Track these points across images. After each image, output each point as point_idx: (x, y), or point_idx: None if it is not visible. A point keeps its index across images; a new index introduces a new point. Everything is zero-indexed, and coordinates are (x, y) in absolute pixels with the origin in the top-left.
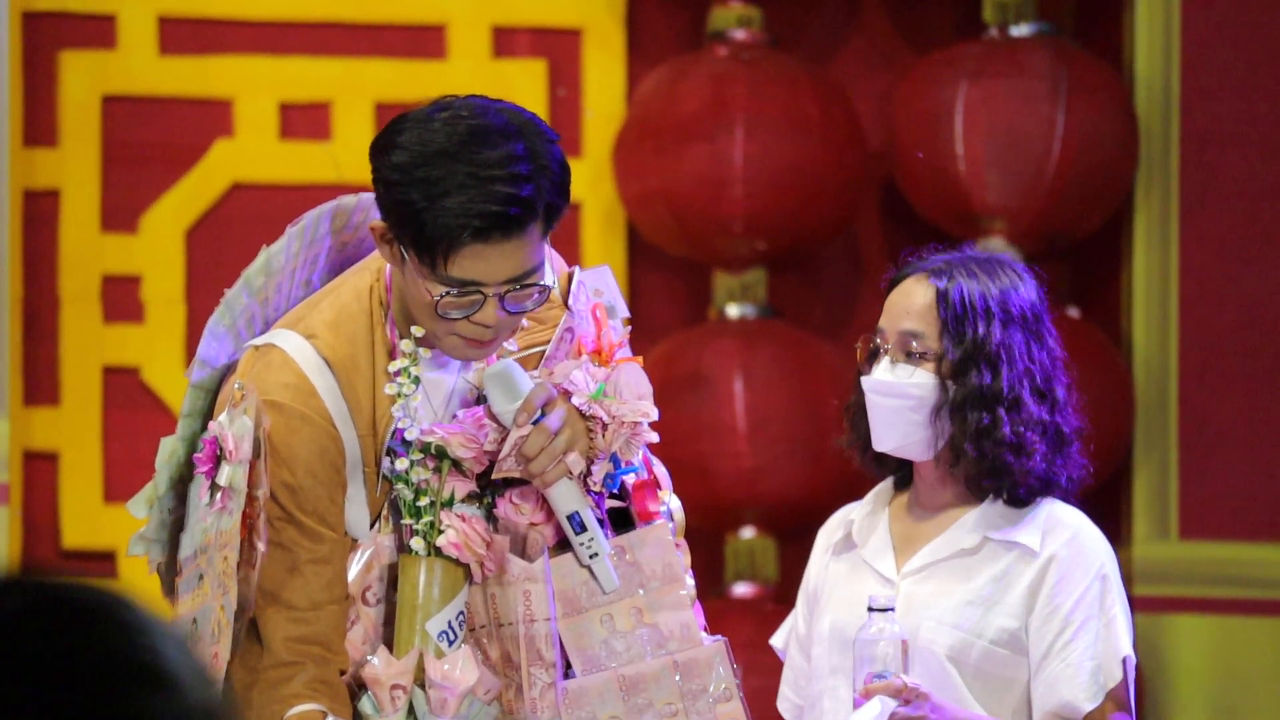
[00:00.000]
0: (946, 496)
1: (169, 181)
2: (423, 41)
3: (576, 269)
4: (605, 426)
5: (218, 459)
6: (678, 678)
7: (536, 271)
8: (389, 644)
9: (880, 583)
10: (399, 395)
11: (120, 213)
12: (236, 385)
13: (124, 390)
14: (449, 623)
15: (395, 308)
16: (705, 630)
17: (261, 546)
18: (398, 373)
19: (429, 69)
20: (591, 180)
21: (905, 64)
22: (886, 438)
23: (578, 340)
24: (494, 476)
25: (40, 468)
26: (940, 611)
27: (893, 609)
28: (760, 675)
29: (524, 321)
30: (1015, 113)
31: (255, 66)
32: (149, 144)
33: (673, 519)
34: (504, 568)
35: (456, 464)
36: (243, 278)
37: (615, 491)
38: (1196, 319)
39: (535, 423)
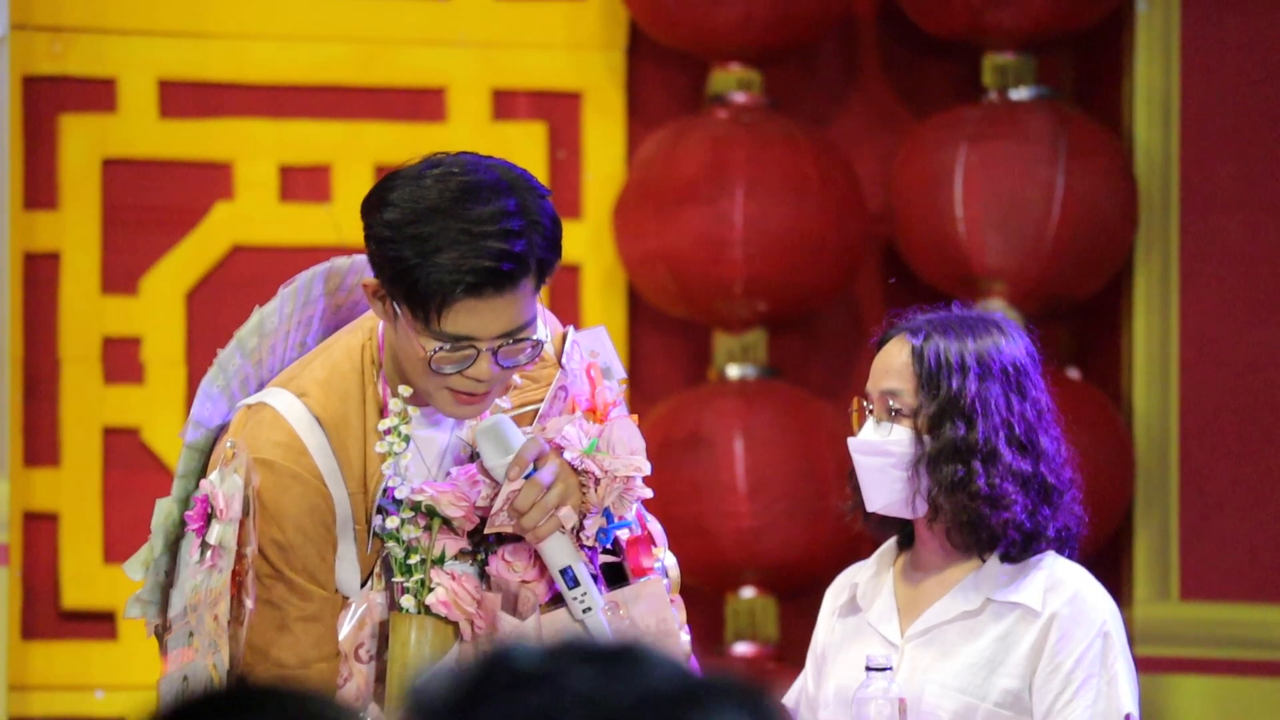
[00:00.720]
0: (945, 556)
1: (169, 243)
2: (423, 104)
3: (570, 329)
4: (598, 481)
5: (209, 517)
6: None
7: (529, 326)
8: (380, 702)
9: (885, 646)
10: (389, 453)
11: (120, 275)
12: (228, 444)
13: (124, 451)
14: None
15: (387, 365)
16: None
17: (250, 604)
18: (388, 431)
19: (429, 131)
20: (591, 242)
21: (905, 127)
22: (874, 497)
23: (571, 399)
24: (486, 531)
25: (40, 528)
26: (944, 675)
27: (890, 668)
28: None
29: (517, 379)
30: (1015, 176)
31: (255, 129)
32: (149, 206)
33: (667, 575)
34: (495, 625)
35: (447, 522)
36: (235, 338)
37: (608, 547)
38: (1197, 381)
39: (527, 477)
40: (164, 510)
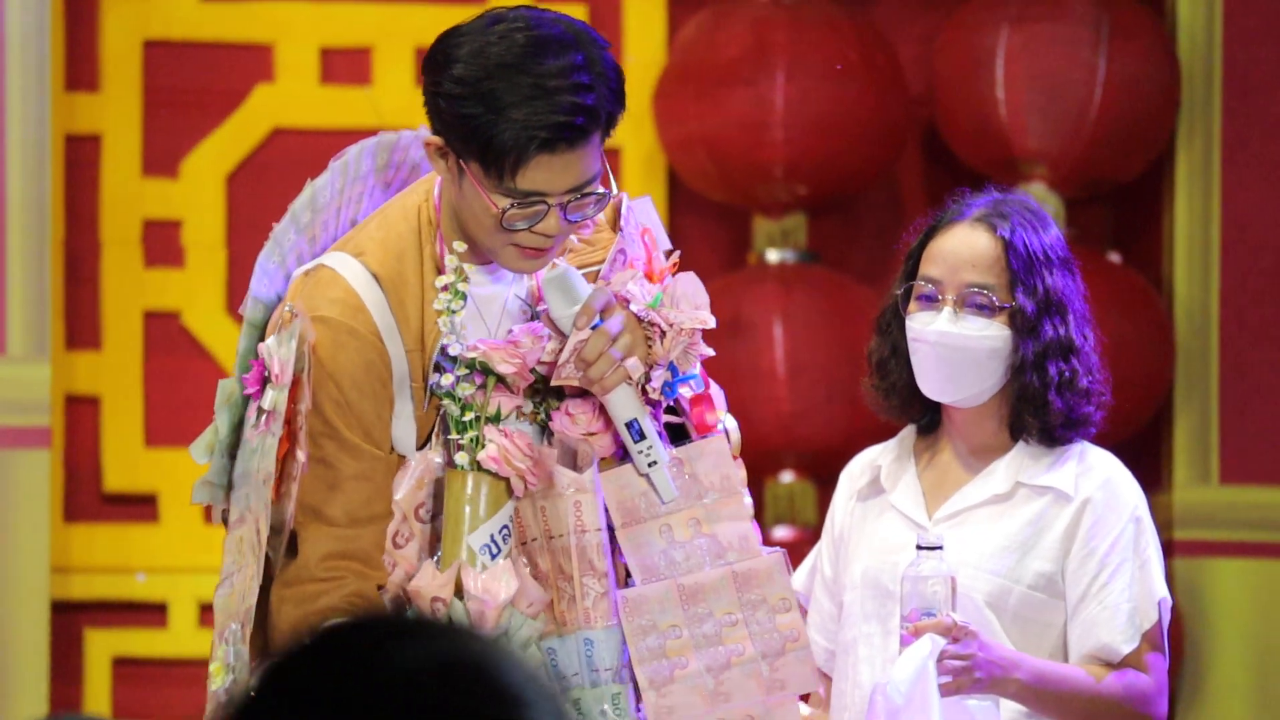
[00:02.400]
0: (978, 441)
1: (210, 126)
2: None
3: (624, 195)
4: (663, 334)
5: (264, 381)
6: (736, 587)
7: (596, 180)
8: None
9: (912, 529)
10: (446, 310)
11: (161, 158)
12: (286, 308)
13: (165, 334)
14: (491, 536)
15: (445, 224)
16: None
17: (302, 457)
18: (444, 288)
19: (469, 13)
20: (632, 126)
21: (946, 9)
22: (947, 389)
23: (629, 263)
24: (553, 383)
25: (82, 411)
26: (977, 557)
27: (941, 546)
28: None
29: (574, 240)
30: (1056, 58)
31: (296, 12)
32: (190, 89)
33: (729, 437)
34: (552, 480)
35: (501, 379)
36: (290, 212)
37: (671, 405)
38: (1237, 263)
39: (594, 327)
40: (226, 390)
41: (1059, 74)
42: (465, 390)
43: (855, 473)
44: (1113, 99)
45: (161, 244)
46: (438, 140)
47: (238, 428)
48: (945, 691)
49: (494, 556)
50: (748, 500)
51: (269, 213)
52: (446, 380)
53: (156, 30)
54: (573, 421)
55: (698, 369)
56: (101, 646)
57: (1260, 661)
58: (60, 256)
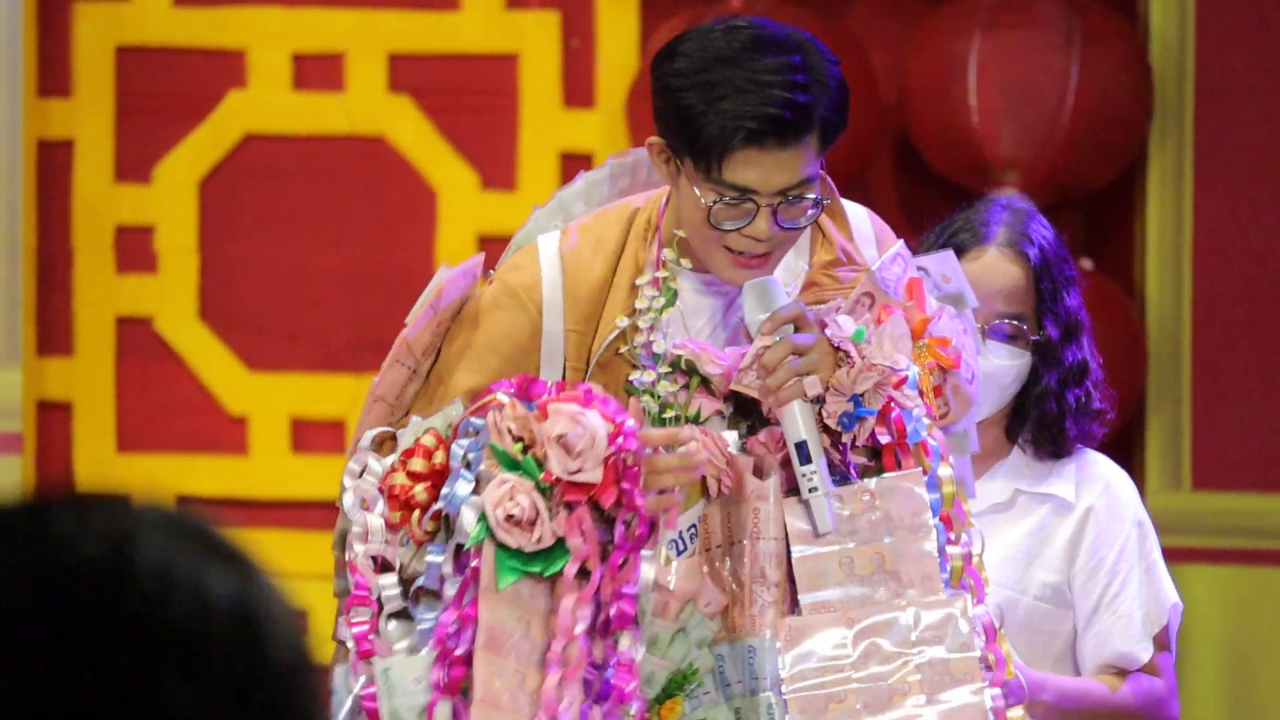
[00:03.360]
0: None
1: (182, 132)
2: None
3: (901, 242)
4: (853, 364)
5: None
6: (912, 628)
7: (810, 184)
8: None
9: None
10: (649, 308)
11: (134, 163)
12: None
13: (137, 340)
14: (681, 533)
15: (665, 230)
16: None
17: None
18: (654, 281)
19: (442, 19)
20: (605, 132)
21: (919, 16)
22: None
23: (879, 307)
24: (731, 388)
25: (53, 417)
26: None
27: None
28: None
29: (803, 265)
30: (1029, 64)
31: (268, 17)
32: (163, 94)
33: (939, 489)
34: (742, 486)
35: (704, 382)
36: (557, 199)
37: (858, 445)
38: (1209, 270)
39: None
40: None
41: (1031, 81)
42: (667, 389)
43: None
44: (1085, 106)
45: (134, 250)
46: (659, 141)
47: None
48: None
49: (680, 553)
50: (934, 537)
51: (242, 218)
52: (649, 377)
53: (129, 36)
54: (765, 449)
55: (880, 405)
56: None
57: (1233, 668)
58: (32, 262)
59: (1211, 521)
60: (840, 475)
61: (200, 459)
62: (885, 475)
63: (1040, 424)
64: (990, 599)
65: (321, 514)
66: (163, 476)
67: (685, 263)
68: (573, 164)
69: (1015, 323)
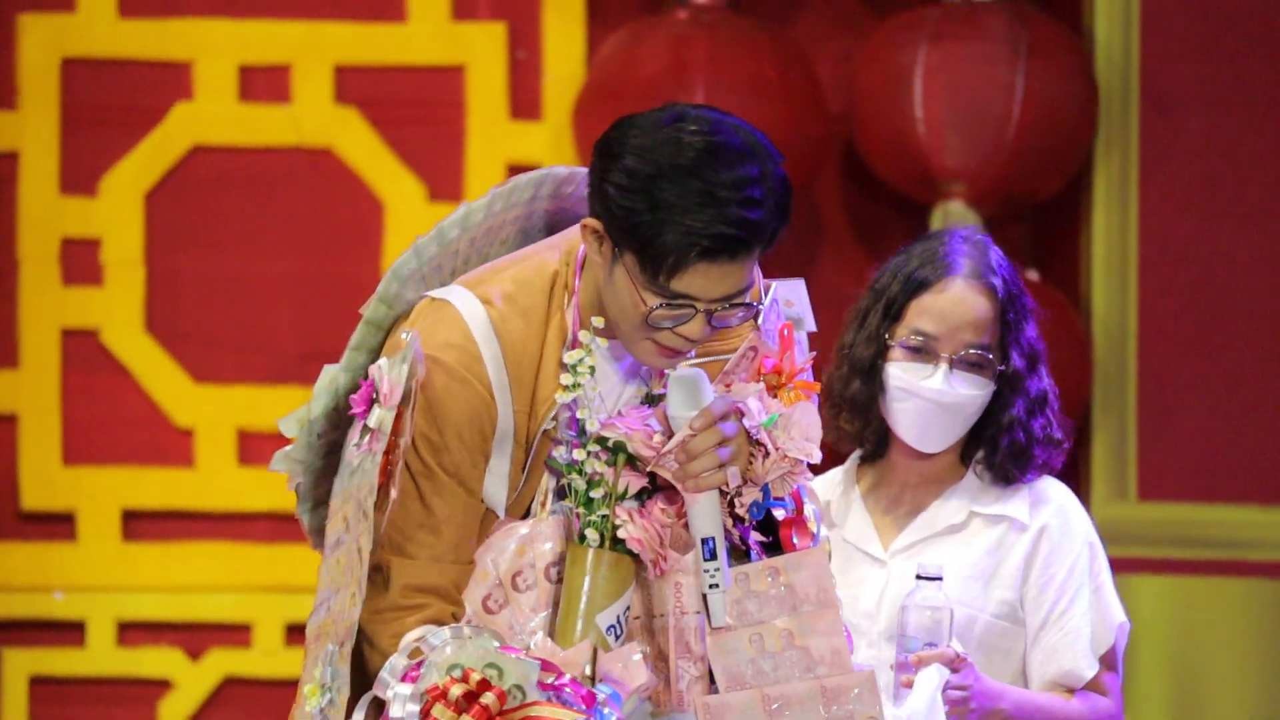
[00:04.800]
0: (931, 472)
1: (129, 144)
2: (382, 4)
3: (772, 284)
4: (767, 455)
5: (372, 401)
6: (823, 703)
7: (747, 291)
8: (546, 634)
9: (870, 563)
10: (574, 385)
11: (80, 175)
12: (404, 334)
13: (83, 352)
14: (618, 617)
15: (584, 297)
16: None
17: (394, 494)
18: (575, 364)
19: (389, 32)
20: (551, 143)
21: (865, 27)
22: (929, 442)
23: (760, 359)
24: (649, 469)
25: None
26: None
27: (941, 577)
28: None
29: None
30: (975, 76)
31: (214, 29)
32: (108, 106)
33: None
34: (673, 567)
35: (631, 460)
36: (437, 228)
37: (757, 521)
38: (1155, 281)
39: None
40: (329, 375)
41: (977, 92)
42: (594, 466)
43: None
44: (1031, 117)
45: (80, 262)
46: (597, 224)
47: (331, 412)
48: None
49: (616, 638)
50: (839, 611)
51: (188, 230)
52: (578, 454)
53: (75, 48)
54: (665, 513)
55: (789, 493)
56: (19, 666)
57: (1178, 678)
58: None
59: (1157, 531)
60: (743, 551)
61: (146, 471)
62: (790, 554)
63: (1010, 452)
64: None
65: (268, 526)
66: (109, 489)
67: (603, 342)
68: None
69: (982, 353)
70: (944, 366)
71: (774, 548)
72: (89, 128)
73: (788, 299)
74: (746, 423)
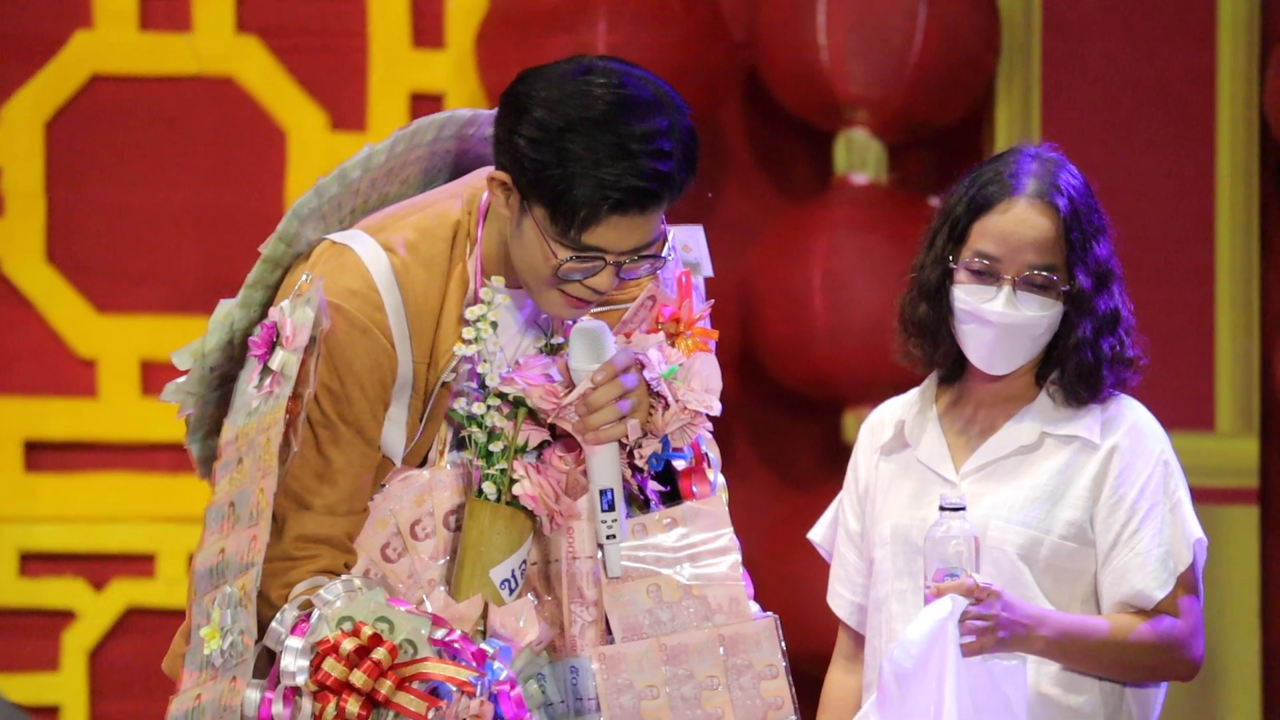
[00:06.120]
0: (1006, 394)
1: (27, 73)
2: None
3: (670, 230)
4: (667, 407)
5: (273, 344)
6: (722, 651)
7: (656, 243)
8: (444, 583)
9: (941, 484)
10: (476, 340)
11: None
12: (305, 276)
13: None
14: (512, 571)
15: (487, 247)
16: (754, 602)
17: (295, 446)
18: (477, 319)
19: None
20: (454, 72)
21: None
22: (998, 364)
23: (658, 307)
24: (550, 421)
25: None
26: (1008, 510)
27: (964, 507)
28: None
29: None
30: (877, 3)
31: None
32: (7, 35)
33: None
34: (572, 523)
35: (532, 413)
36: (339, 169)
37: (657, 472)
38: None
39: None
40: (225, 310)
41: (880, 19)
42: (495, 420)
43: (877, 426)
44: (933, 44)
45: None
46: (504, 177)
47: (225, 345)
48: (968, 651)
49: (511, 592)
50: (737, 556)
51: (89, 160)
52: (477, 408)
53: None
54: (562, 461)
55: (688, 444)
56: None
57: None
58: None
59: None
60: (641, 503)
61: (49, 402)
62: (688, 502)
63: (1078, 373)
64: (1013, 540)
65: (171, 456)
66: (12, 420)
67: (505, 298)
68: (422, 104)
69: (1046, 274)
70: (1007, 288)
71: (673, 497)
72: None
73: (685, 244)
74: (647, 375)
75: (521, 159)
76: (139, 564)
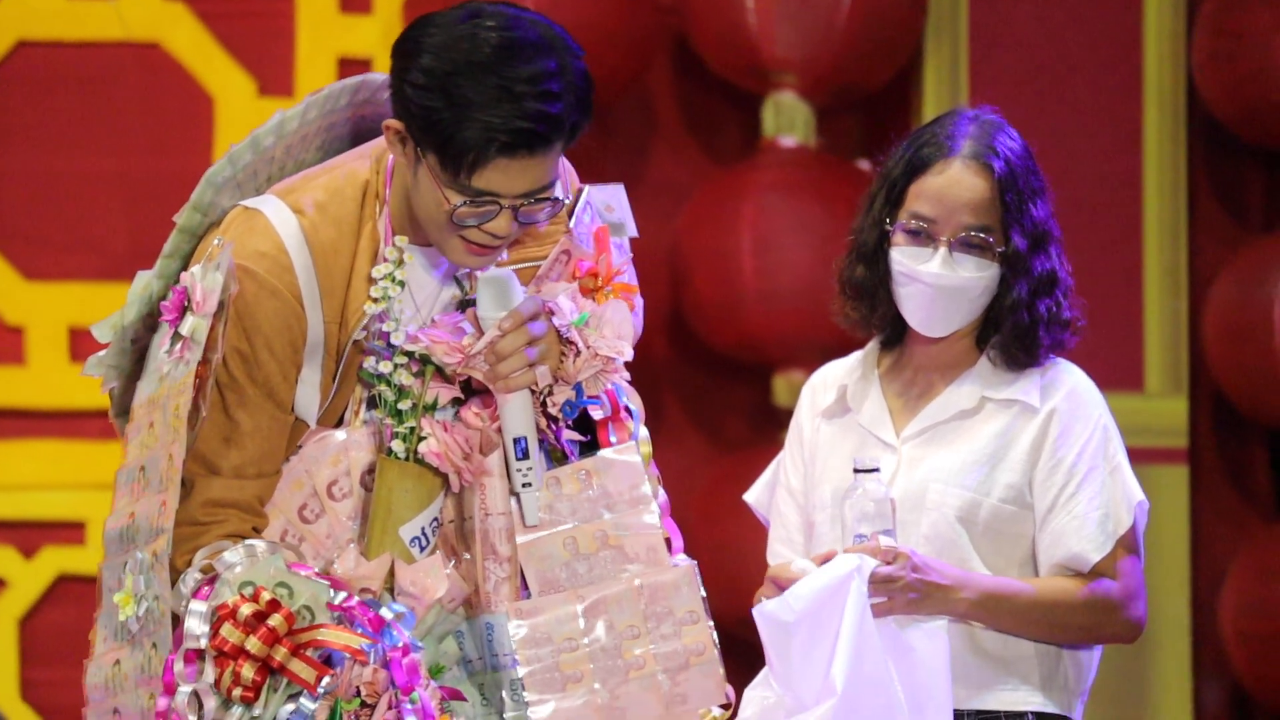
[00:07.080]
0: (946, 358)
1: None
2: None
3: (586, 187)
4: (579, 354)
5: (184, 309)
6: (642, 601)
7: (552, 186)
8: (357, 543)
9: (880, 448)
10: (384, 297)
11: None
12: (216, 240)
13: None
14: (422, 529)
15: (394, 204)
16: (679, 548)
17: (204, 410)
18: (383, 278)
19: None
20: (382, 37)
21: None
22: (936, 326)
23: (574, 262)
24: (459, 372)
25: None
26: (946, 473)
27: (878, 469)
28: None
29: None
30: None
31: None
32: None
33: (639, 449)
34: (484, 479)
35: (439, 370)
36: (251, 136)
37: (571, 421)
38: None
39: None
40: (143, 281)
41: None
42: (403, 378)
43: (819, 387)
44: (861, 6)
45: None
46: (399, 125)
47: (145, 317)
48: (878, 612)
49: (422, 549)
50: (657, 507)
51: (16, 127)
52: (384, 367)
53: None
54: (478, 417)
55: (603, 392)
56: None
57: None
58: None
59: None
60: (559, 455)
61: None
62: (601, 453)
63: (1014, 334)
64: (953, 503)
65: (100, 423)
66: None
67: (410, 257)
68: (350, 69)
69: (982, 235)
70: (943, 250)
71: (592, 447)
72: None
73: (608, 204)
74: (557, 321)
75: (412, 105)
76: (69, 531)
